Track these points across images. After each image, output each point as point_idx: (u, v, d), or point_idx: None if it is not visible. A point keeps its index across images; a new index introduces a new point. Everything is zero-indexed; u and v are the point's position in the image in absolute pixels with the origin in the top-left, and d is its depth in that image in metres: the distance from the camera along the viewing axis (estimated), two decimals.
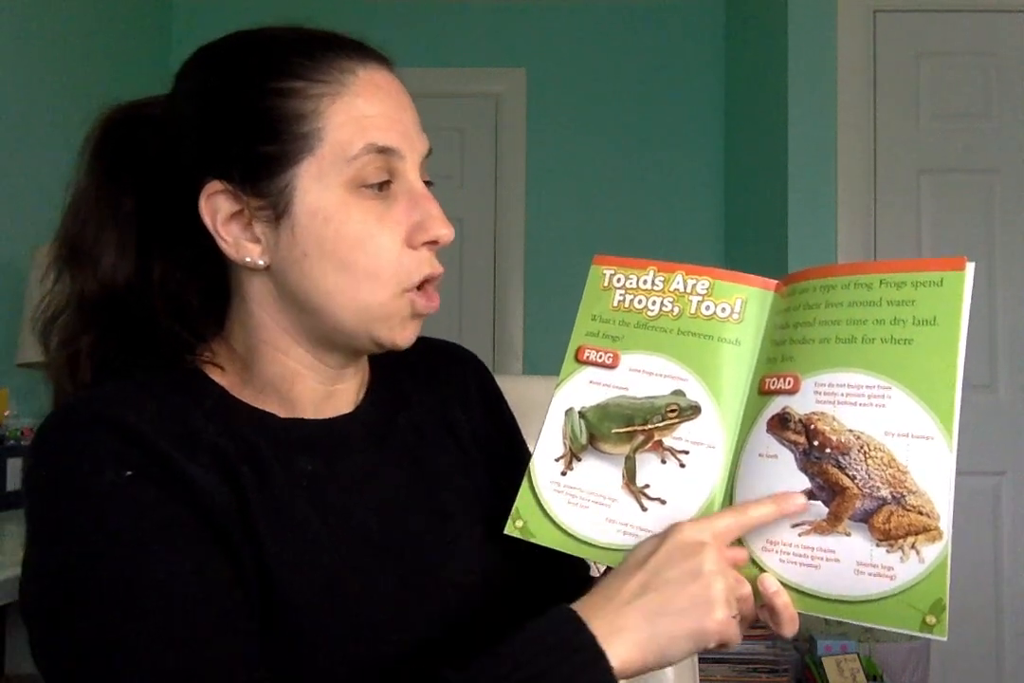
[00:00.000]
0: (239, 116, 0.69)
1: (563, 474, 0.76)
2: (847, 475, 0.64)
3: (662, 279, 0.76)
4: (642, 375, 0.74)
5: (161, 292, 0.74)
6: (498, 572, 0.78)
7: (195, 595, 0.62)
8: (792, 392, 0.68)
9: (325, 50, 0.70)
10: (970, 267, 0.64)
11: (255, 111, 0.69)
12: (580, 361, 0.77)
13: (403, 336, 0.74)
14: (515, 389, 0.96)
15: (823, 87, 2.63)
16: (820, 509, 0.65)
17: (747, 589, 0.65)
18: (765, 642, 2.24)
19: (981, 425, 2.52)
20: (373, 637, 0.68)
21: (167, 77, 0.75)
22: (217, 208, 0.70)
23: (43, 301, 0.76)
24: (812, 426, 0.66)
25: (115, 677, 0.60)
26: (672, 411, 0.72)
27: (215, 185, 0.69)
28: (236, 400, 0.73)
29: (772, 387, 0.69)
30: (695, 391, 0.72)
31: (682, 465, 0.71)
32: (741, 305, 0.73)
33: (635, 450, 0.73)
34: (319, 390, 0.76)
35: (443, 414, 0.85)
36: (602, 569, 0.80)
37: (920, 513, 0.61)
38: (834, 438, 0.65)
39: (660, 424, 0.72)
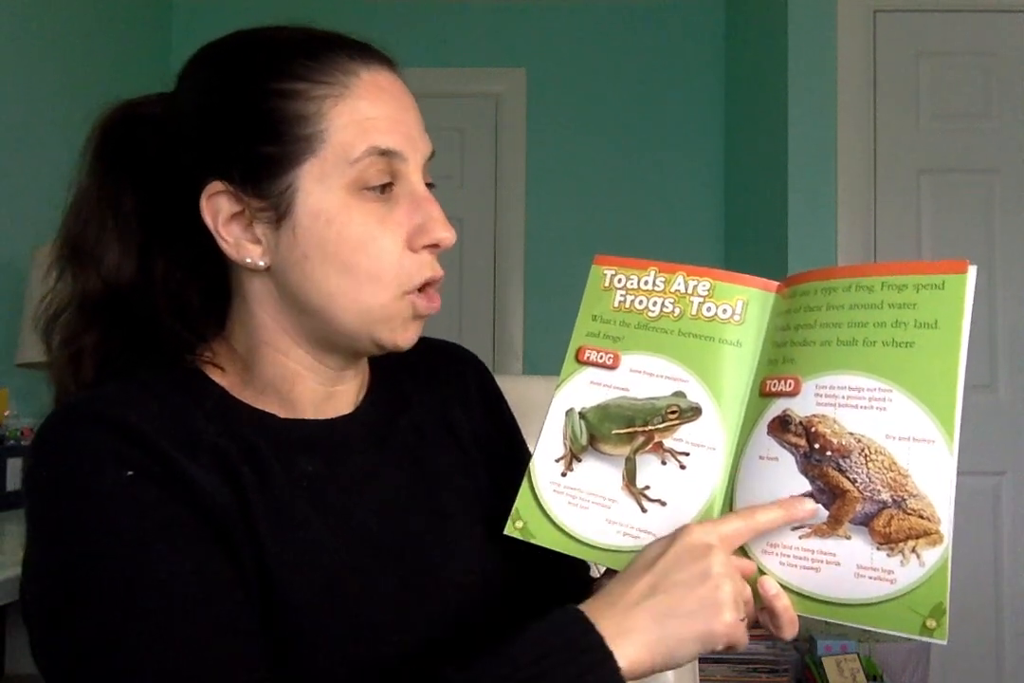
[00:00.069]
0: (241, 117, 0.69)
1: (563, 475, 0.76)
2: (848, 478, 0.64)
3: (663, 280, 0.76)
4: (643, 376, 0.74)
5: (163, 291, 0.74)
6: (498, 572, 0.78)
7: (195, 595, 0.62)
8: (793, 394, 0.68)
9: (328, 51, 0.70)
10: (972, 270, 0.64)
11: (257, 112, 0.69)
12: (580, 361, 0.77)
13: (405, 337, 0.74)
14: (515, 389, 0.96)
15: (823, 87, 2.63)
16: (821, 512, 0.65)
17: (748, 592, 0.65)
18: (765, 642, 2.24)
19: (981, 425, 2.52)
20: (373, 637, 0.68)
21: (167, 77, 0.75)
22: (218, 208, 0.70)
23: (45, 300, 0.76)
24: (813, 429, 0.66)
25: (115, 677, 0.60)
26: (673, 412, 0.72)
27: (216, 185, 0.69)
28: (236, 401, 0.73)
29: (773, 389, 0.69)
30: (696, 392, 0.72)
31: (682, 467, 0.71)
32: (742, 306, 0.73)
33: (635, 451, 0.73)
34: (319, 391, 0.76)
35: (443, 414, 0.85)
36: (602, 570, 0.80)
37: (921, 517, 0.61)
38: (835, 441, 0.65)
39: (660, 425, 0.72)
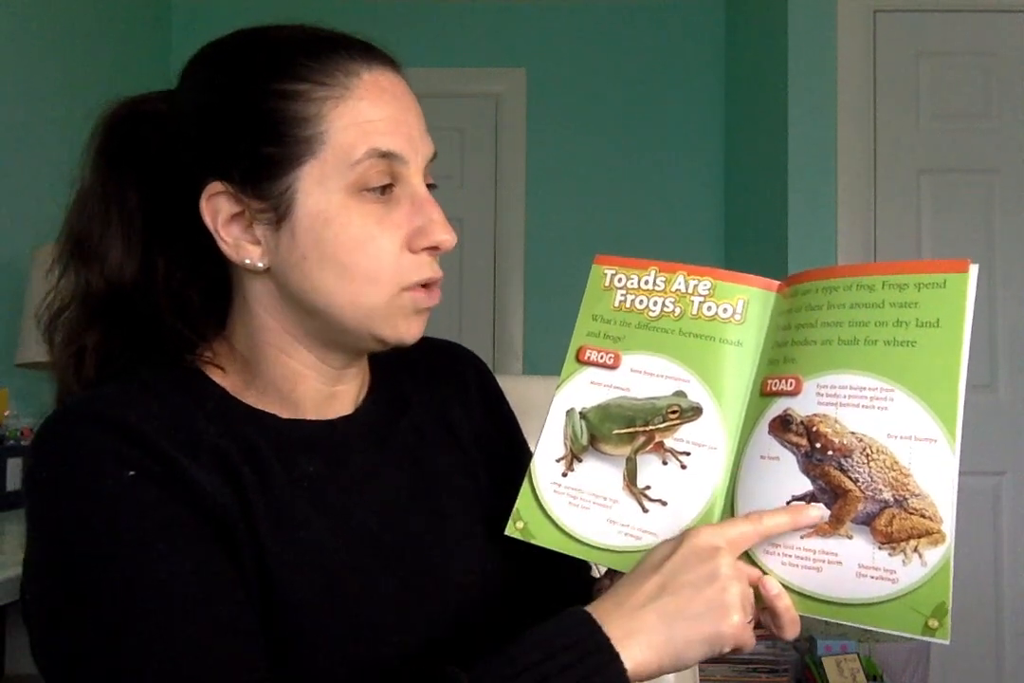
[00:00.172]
0: (241, 117, 0.69)
1: (564, 475, 0.75)
2: (849, 478, 0.64)
3: (663, 279, 0.76)
4: (643, 376, 0.74)
5: (165, 290, 0.74)
6: (498, 572, 0.78)
7: (195, 595, 0.62)
8: (794, 394, 0.68)
9: (330, 52, 0.70)
10: (973, 269, 0.63)
11: (258, 113, 0.68)
12: (581, 361, 0.77)
13: (409, 332, 0.73)
14: (515, 389, 0.95)
15: (823, 87, 2.63)
16: (823, 516, 0.65)
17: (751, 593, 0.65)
18: (765, 642, 2.23)
19: (981, 425, 2.51)
20: (373, 637, 0.68)
21: (167, 77, 0.75)
22: (218, 209, 0.70)
23: (48, 297, 0.75)
24: (814, 428, 0.66)
25: (115, 677, 0.60)
26: (673, 412, 0.72)
27: (216, 186, 0.69)
28: (237, 401, 0.73)
29: (774, 388, 0.69)
30: (696, 392, 0.72)
31: (683, 466, 0.71)
32: (743, 306, 0.73)
33: (636, 451, 0.73)
34: (321, 391, 0.76)
35: (443, 414, 0.85)
36: (603, 570, 0.80)
37: (923, 516, 0.61)
38: (836, 440, 0.65)
39: (661, 425, 0.72)
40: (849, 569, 0.63)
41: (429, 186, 0.74)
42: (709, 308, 0.73)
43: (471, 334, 3.27)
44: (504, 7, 3.38)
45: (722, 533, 0.64)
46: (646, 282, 0.76)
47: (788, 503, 0.66)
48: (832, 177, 2.62)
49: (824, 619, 0.64)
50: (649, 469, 0.72)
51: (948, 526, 0.61)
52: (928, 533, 0.61)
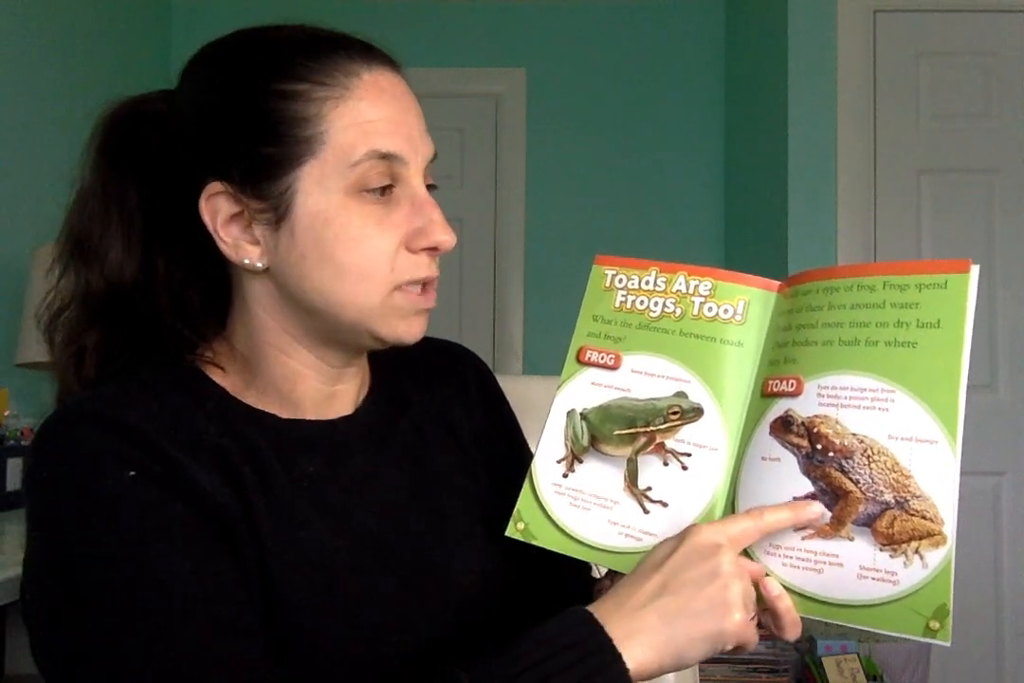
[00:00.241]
0: (241, 117, 0.69)
1: (565, 476, 0.75)
2: (850, 479, 0.64)
3: (664, 280, 0.76)
4: (644, 376, 0.74)
5: (165, 290, 0.74)
6: (498, 572, 0.78)
7: (196, 595, 0.62)
8: (795, 395, 0.67)
9: (331, 52, 0.70)
10: (975, 270, 0.63)
11: (257, 113, 0.68)
12: (582, 362, 0.77)
13: (408, 333, 0.73)
14: (515, 389, 0.95)
15: (823, 87, 2.63)
16: (823, 513, 0.65)
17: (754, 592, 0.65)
18: (765, 642, 2.24)
19: (981, 425, 2.51)
20: (373, 638, 0.68)
21: (167, 77, 0.75)
22: (217, 209, 0.70)
23: (48, 297, 0.75)
24: (815, 429, 0.66)
25: (115, 677, 0.60)
26: (674, 413, 0.72)
27: (216, 186, 0.69)
28: (237, 401, 0.73)
29: (775, 389, 0.69)
30: (697, 393, 0.72)
31: (684, 467, 0.71)
32: (744, 306, 0.73)
33: (637, 452, 0.73)
34: (321, 390, 0.76)
35: (443, 414, 0.85)
36: (603, 571, 0.80)
37: (924, 518, 0.61)
38: (837, 441, 0.65)
39: (662, 426, 0.72)
40: (850, 571, 0.63)
41: (429, 187, 0.74)
42: (710, 309, 0.73)
43: (471, 334, 3.27)
44: (504, 7, 3.38)
45: (724, 530, 0.64)
46: (647, 283, 0.76)
47: None
48: (832, 177, 2.62)
49: (825, 620, 0.64)
50: (650, 470, 0.72)
51: (949, 528, 0.61)
52: (929, 535, 0.61)
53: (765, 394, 0.70)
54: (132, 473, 0.63)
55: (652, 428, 0.72)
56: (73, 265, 0.74)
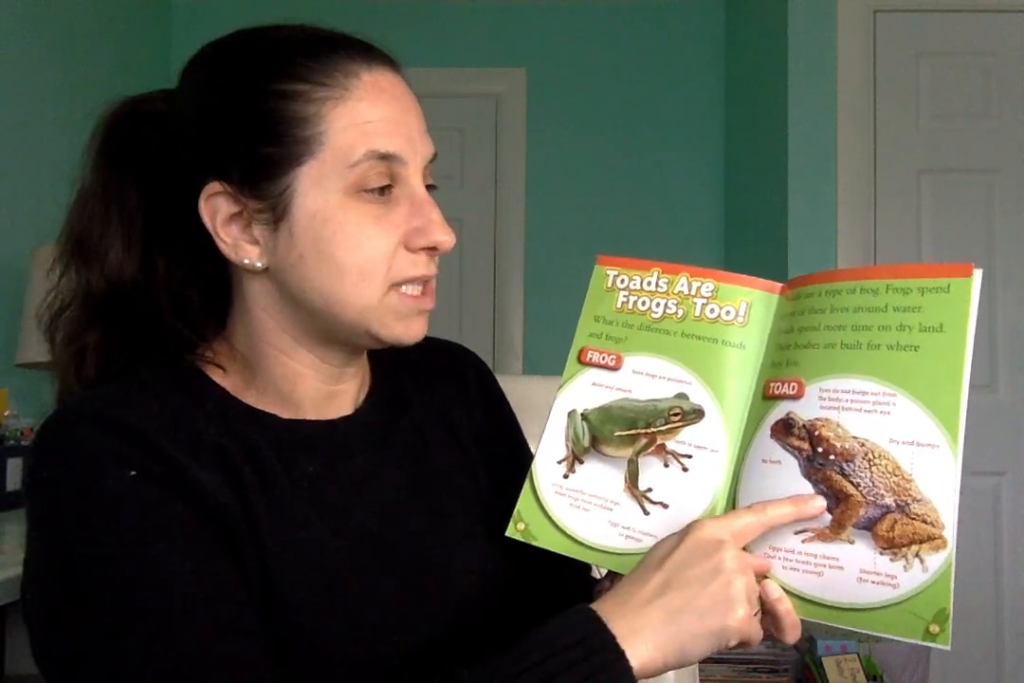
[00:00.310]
0: (241, 117, 0.69)
1: (565, 477, 0.75)
2: (851, 482, 0.64)
3: (666, 281, 0.76)
4: (645, 378, 0.74)
5: (165, 289, 0.74)
6: (498, 572, 0.78)
7: (196, 595, 0.62)
8: (796, 397, 0.67)
9: (330, 52, 0.70)
10: (977, 274, 0.63)
11: (257, 112, 0.68)
12: (583, 362, 0.77)
13: (408, 333, 0.73)
14: (515, 389, 0.95)
15: (823, 87, 2.63)
16: (824, 516, 0.65)
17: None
18: (765, 642, 2.23)
19: (981, 425, 2.49)
20: (373, 638, 0.68)
21: (167, 77, 0.75)
22: (217, 209, 0.70)
23: (49, 297, 0.75)
24: (816, 432, 0.65)
25: (115, 677, 0.60)
26: (675, 414, 0.72)
27: (215, 186, 0.69)
28: (237, 401, 0.73)
29: (776, 392, 0.69)
30: (698, 395, 0.72)
31: (685, 469, 0.71)
32: (746, 308, 0.73)
33: (638, 453, 0.73)
34: (321, 390, 0.76)
35: (443, 414, 0.85)
36: (603, 572, 0.80)
37: (924, 522, 0.61)
38: (838, 445, 0.64)
39: (663, 427, 0.72)
40: (850, 574, 0.63)
41: (429, 187, 0.74)
42: (712, 310, 0.73)
43: (471, 334, 3.27)
44: (504, 7, 3.38)
45: (726, 525, 0.64)
46: (648, 283, 0.76)
47: None
48: (832, 177, 2.62)
49: (824, 623, 0.63)
50: (651, 471, 0.72)
51: (950, 532, 0.60)
52: (930, 538, 0.61)
53: (766, 396, 0.70)
54: (133, 473, 0.63)
55: (653, 429, 0.72)
56: (73, 265, 0.74)
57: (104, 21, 2.83)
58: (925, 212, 2.66)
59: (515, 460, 0.85)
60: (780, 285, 0.73)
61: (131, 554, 0.62)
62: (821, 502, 0.64)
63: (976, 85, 2.66)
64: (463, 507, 0.80)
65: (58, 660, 0.63)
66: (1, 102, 2.29)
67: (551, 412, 0.77)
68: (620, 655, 0.60)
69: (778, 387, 0.69)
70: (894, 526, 0.62)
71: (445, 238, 0.71)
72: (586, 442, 0.75)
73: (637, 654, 0.60)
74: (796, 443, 0.66)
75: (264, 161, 0.68)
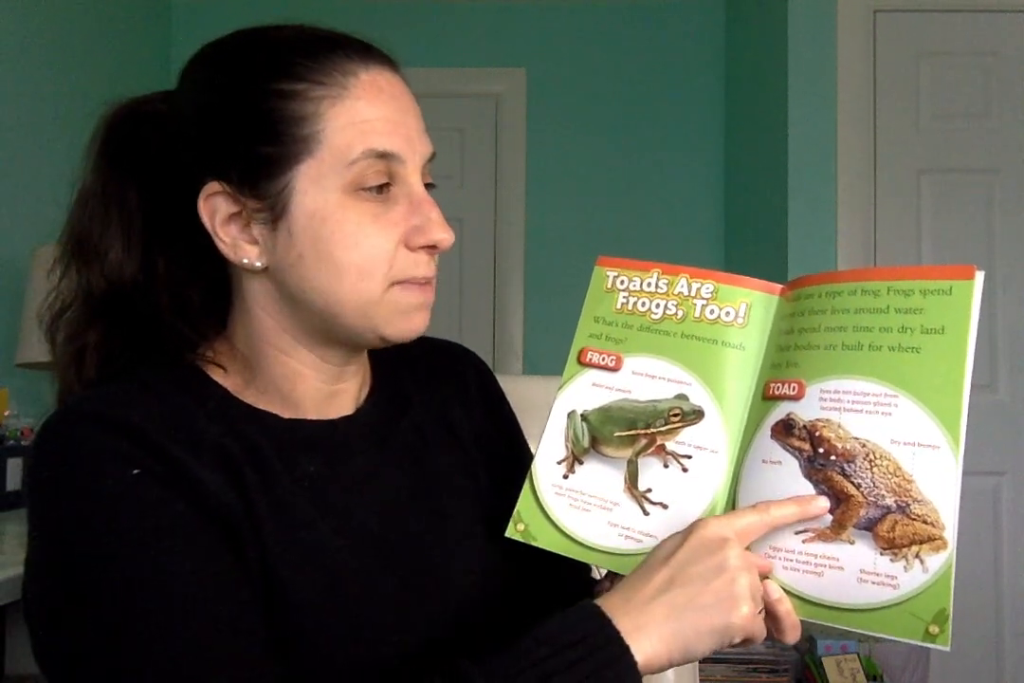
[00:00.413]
0: (240, 116, 0.69)
1: (565, 477, 0.75)
2: (852, 483, 0.64)
3: (666, 282, 0.76)
4: (645, 378, 0.74)
5: (165, 289, 0.74)
6: (498, 572, 0.78)
7: (196, 595, 0.62)
8: (796, 398, 0.67)
9: (329, 52, 0.70)
10: (979, 276, 0.63)
11: (256, 112, 0.68)
12: (583, 363, 0.77)
13: (410, 328, 0.73)
14: (515, 389, 0.95)
15: (823, 87, 2.63)
16: (824, 516, 0.65)
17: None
18: (765, 642, 2.23)
19: (981, 425, 2.49)
20: (374, 637, 0.68)
21: (167, 77, 0.75)
22: (216, 209, 0.70)
23: (50, 297, 0.76)
24: (817, 433, 0.66)
25: (116, 677, 0.60)
26: (675, 415, 0.72)
27: (214, 186, 0.69)
28: (238, 401, 0.73)
29: (776, 392, 0.69)
30: (698, 395, 0.72)
31: (685, 470, 0.71)
32: (746, 309, 0.73)
33: (637, 454, 0.73)
34: (322, 389, 0.76)
35: (443, 414, 0.85)
36: (603, 572, 0.80)
37: (925, 522, 0.61)
38: (839, 445, 0.64)
39: (663, 428, 0.72)
40: (850, 574, 0.63)
41: (428, 186, 0.74)
42: (711, 311, 0.73)
43: (471, 334, 3.27)
44: (504, 7, 3.38)
45: (730, 524, 0.64)
46: (648, 284, 0.76)
47: None
48: (832, 177, 2.62)
49: (824, 624, 0.63)
50: (650, 472, 0.72)
51: (950, 533, 0.61)
52: (930, 539, 0.61)
53: (766, 397, 0.70)
54: (135, 472, 0.63)
55: (653, 430, 0.72)
56: (74, 265, 0.74)
57: (104, 21, 2.83)
58: (925, 212, 2.66)
59: (515, 460, 0.85)
60: (780, 286, 0.73)
61: (132, 554, 0.62)
62: (824, 502, 0.65)
63: (976, 85, 2.66)
64: (463, 507, 0.80)
65: (59, 660, 0.63)
66: (1, 102, 2.29)
67: (551, 412, 0.77)
68: (625, 650, 0.60)
69: (778, 388, 0.69)
70: (895, 527, 0.62)
71: (444, 236, 0.71)
72: (586, 443, 0.75)
73: (642, 650, 0.60)
74: (797, 443, 0.66)
75: (262, 160, 0.68)
